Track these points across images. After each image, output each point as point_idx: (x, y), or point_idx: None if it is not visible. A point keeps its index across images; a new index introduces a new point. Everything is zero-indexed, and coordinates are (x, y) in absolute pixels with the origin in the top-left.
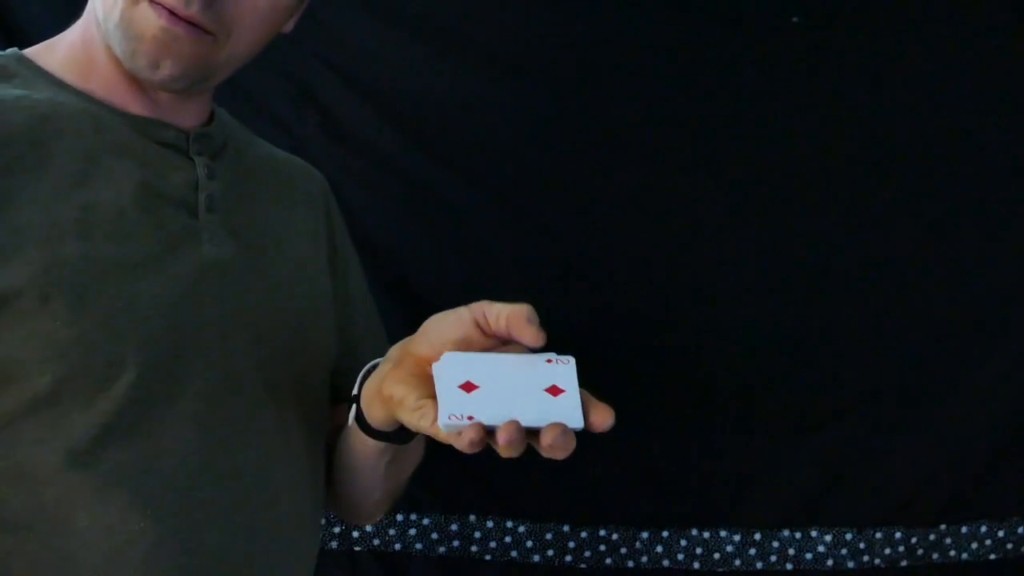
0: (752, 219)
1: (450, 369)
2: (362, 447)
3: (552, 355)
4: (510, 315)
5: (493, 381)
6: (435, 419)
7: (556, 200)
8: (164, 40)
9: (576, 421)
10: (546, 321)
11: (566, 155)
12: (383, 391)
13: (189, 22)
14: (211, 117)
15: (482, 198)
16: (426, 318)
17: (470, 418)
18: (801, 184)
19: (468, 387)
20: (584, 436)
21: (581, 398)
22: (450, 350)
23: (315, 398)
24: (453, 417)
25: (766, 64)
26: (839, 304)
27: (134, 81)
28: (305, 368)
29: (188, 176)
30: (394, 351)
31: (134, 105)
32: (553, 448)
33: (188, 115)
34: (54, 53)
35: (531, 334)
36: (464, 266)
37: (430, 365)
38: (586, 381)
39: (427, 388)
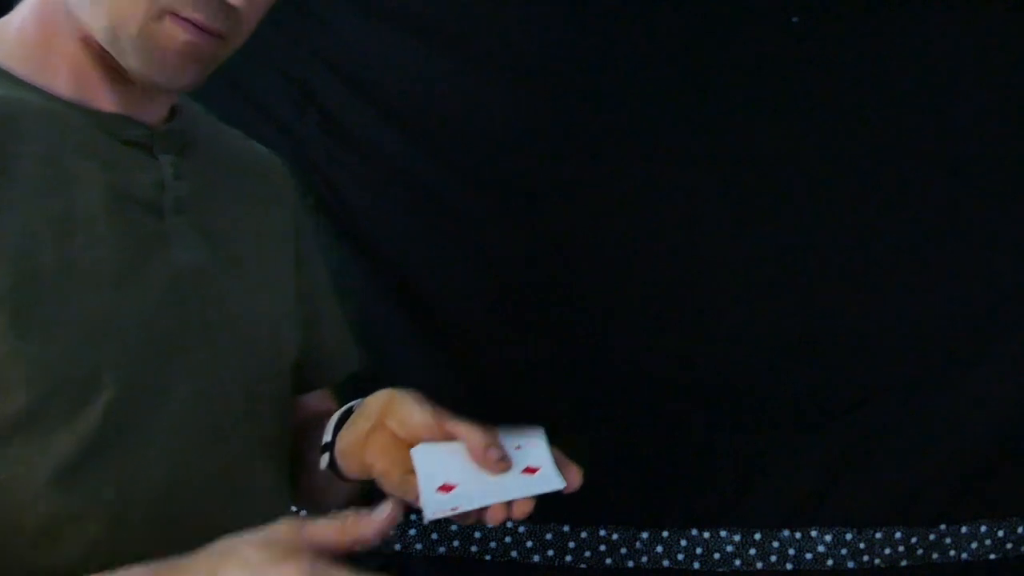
0: (752, 219)
1: (428, 463)
2: (332, 478)
3: (519, 438)
4: (470, 444)
5: (471, 477)
6: (418, 497)
7: (556, 200)
8: (189, 52)
9: (557, 484)
10: (546, 321)
11: (566, 155)
12: (364, 459)
13: (212, 32)
14: (175, 110)
15: (482, 198)
16: (425, 318)
17: (454, 509)
18: (800, 184)
19: (447, 488)
20: (585, 435)
21: (555, 461)
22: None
23: (285, 397)
24: (438, 513)
25: (766, 64)
26: (839, 304)
27: (102, 74)
28: (279, 368)
29: (155, 176)
30: (369, 410)
31: (99, 99)
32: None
33: (157, 108)
34: (1, 44)
35: (495, 469)
36: (464, 266)
37: (403, 440)
38: (586, 381)
39: (407, 463)
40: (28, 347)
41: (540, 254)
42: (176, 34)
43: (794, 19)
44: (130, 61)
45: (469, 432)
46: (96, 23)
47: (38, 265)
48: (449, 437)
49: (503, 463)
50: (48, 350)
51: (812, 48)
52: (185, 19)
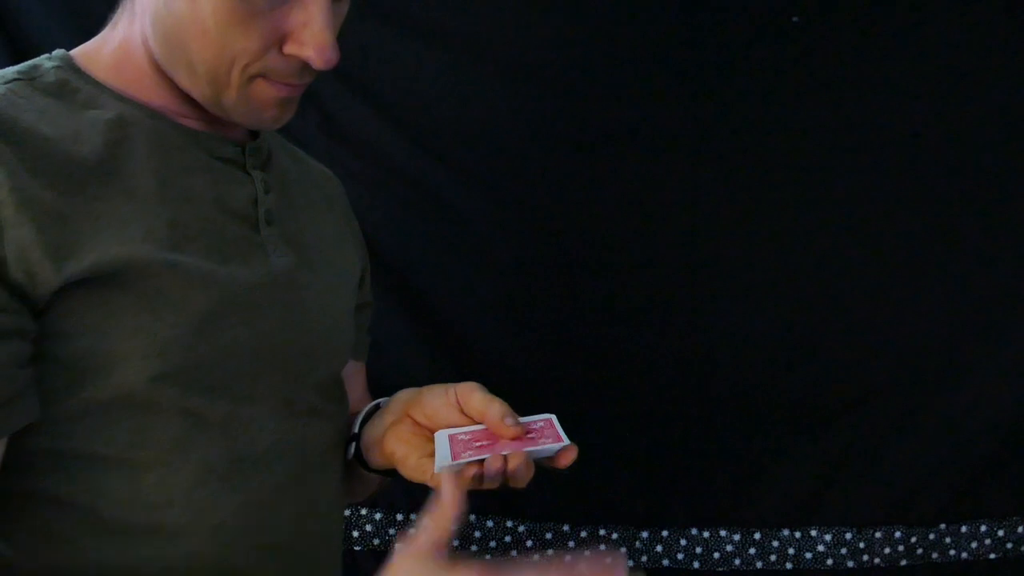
0: (752, 219)
1: (448, 441)
2: (357, 471)
3: (532, 421)
4: (487, 416)
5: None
6: (433, 473)
7: (556, 200)
8: (283, 104)
9: (563, 441)
10: (546, 321)
11: (566, 155)
12: (385, 447)
13: (301, 86)
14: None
15: (483, 198)
16: (425, 318)
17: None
18: (800, 184)
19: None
20: (585, 435)
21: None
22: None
23: (342, 392)
24: (446, 469)
25: (766, 64)
26: (839, 304)
27: (191, 104)
28: (338, 366)
29: (248, 191)
30: (395, 406)
31: (190, 119)
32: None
33: (238, 127)
34: (100, 62)
35: (509, 434)
36: (464, 266)
37: (425, 428)
38: (586, 381)
39: (425, 447)
40: (154, 328)
41: (540, 254)
42: (270, 92)
43: (794, 19)
44: (232, 116)
45: (488, 404)
46: (197, 92)
47: (164, 259)
48: (470, 423)
49: (517, 428)
50: (171, 334)
51: (812, 48)
52: (276, 81)
